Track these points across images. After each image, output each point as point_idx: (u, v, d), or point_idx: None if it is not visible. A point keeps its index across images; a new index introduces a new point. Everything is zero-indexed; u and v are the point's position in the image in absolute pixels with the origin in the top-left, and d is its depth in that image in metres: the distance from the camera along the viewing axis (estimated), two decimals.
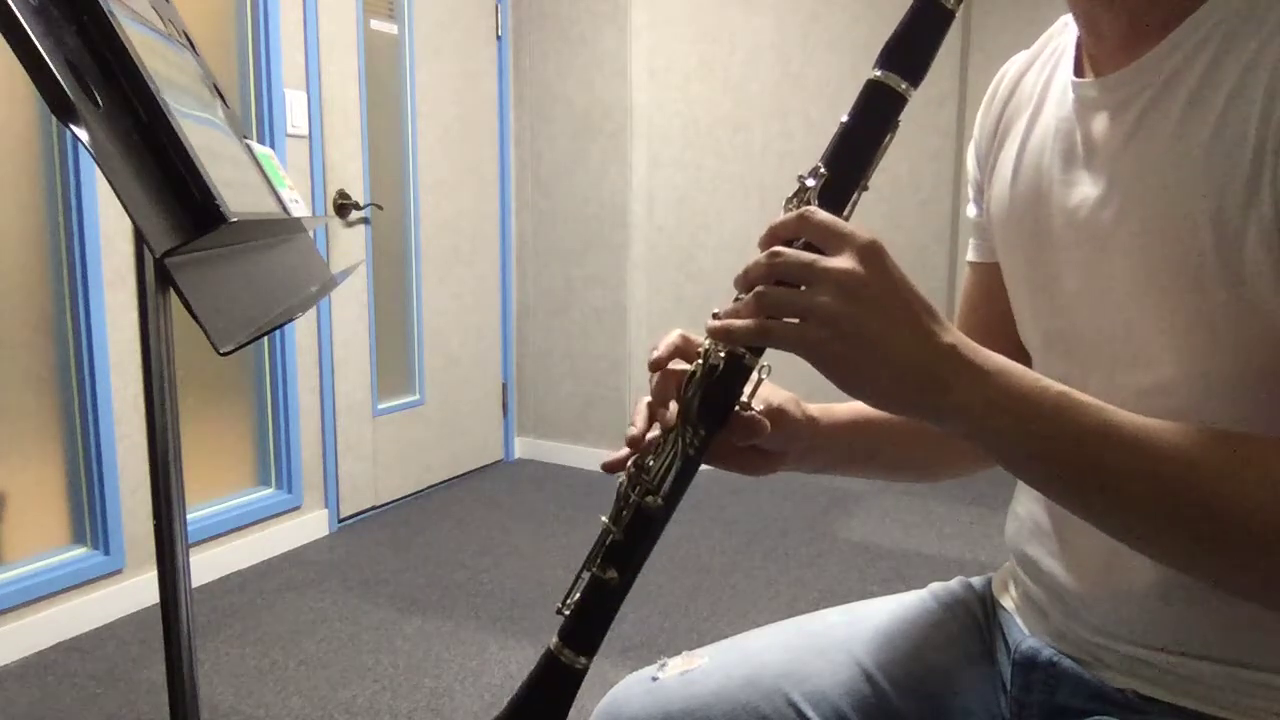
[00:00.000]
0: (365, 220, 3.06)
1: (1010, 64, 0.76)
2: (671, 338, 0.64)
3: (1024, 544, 0.74)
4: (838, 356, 0.52)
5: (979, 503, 3.30)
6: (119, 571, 2.34)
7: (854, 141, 0.58)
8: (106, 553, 2.32)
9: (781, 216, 0.56)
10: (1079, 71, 0.66)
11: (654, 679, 0.78)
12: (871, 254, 0.52)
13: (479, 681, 2.04)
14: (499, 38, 3.62)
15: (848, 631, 0.79)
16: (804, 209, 0.55)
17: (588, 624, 0.60)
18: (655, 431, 0.62)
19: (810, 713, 0.73)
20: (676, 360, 0.63)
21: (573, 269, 3.71)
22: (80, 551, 2.31)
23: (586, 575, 0.61)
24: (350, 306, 3.03)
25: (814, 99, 3.69)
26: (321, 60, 2.83)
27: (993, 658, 0.77)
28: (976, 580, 0.84)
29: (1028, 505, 0.74)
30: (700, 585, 2.58)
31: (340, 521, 3.05)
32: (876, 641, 0.78)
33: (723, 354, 0.58)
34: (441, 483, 3.51)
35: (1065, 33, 0.71)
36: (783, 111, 3.67)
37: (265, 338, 2.65)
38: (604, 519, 0.61)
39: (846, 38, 3.70)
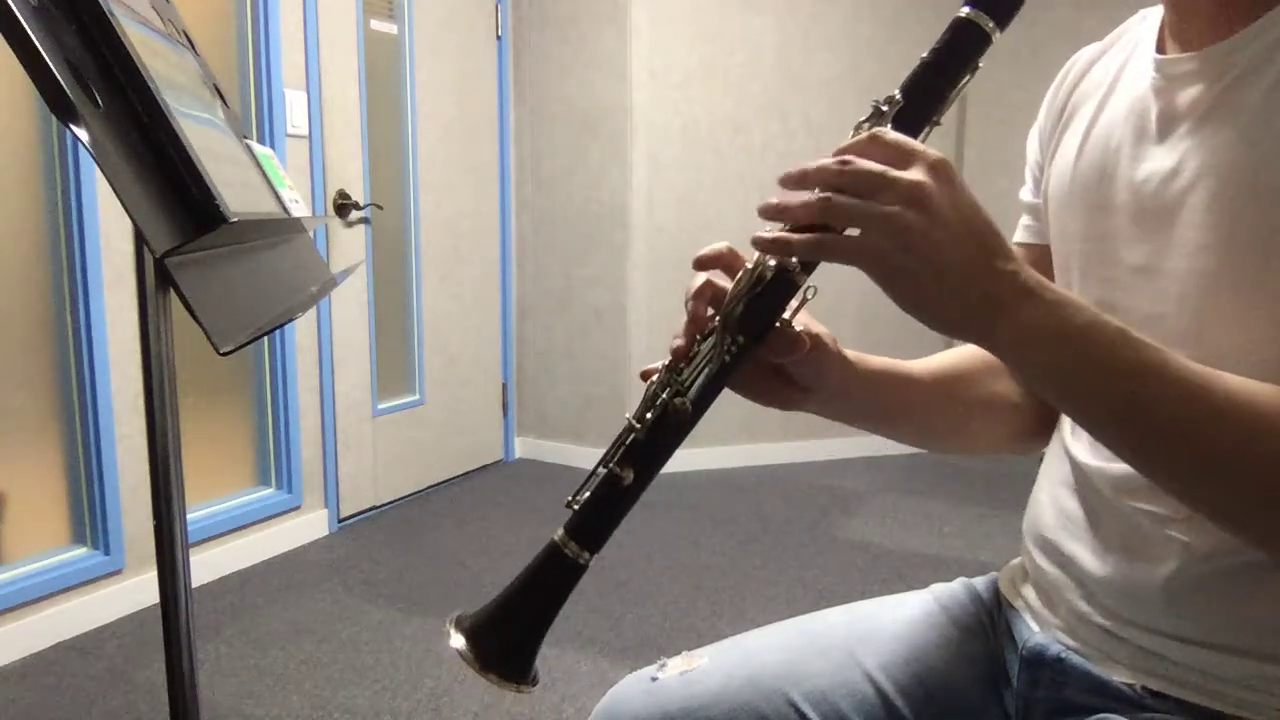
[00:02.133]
0: (365, 220, 3.06)
1: (1081, 54, 0.77)
2: (719, 245, 0.63)
3: (1044, 528, 0.74)
4: (899, 269, 0.51)
5: (979, 503, 3.30)
6: (119, 571, 2.34)
7: (934, 74, 0.58)
8: (106, 553, 2.32)
9: (851, 138, 0.55)
10: (1161, 53, 0.67)
11: (654, 679, 0.78)
12: (943, 170, 0.52)
13: (479, 681, 2.03)
14: (499, 38, 3.62)
15: (848, 632, 0.79)
16: (875, 129, 0.55)
17: (596, 520, 0.59)
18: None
19: (810, 713, 0.73)
20: (716, 272, 0.63)
21: (573, 269, 3.71)
22: (80, 551, 2.31)
23: (602, 471, 0.60)
24: (350, 306, 3.03)
25: (814, 99, 3.69)
26: (321, 60, 2.83)
27: (995, 658, 0.77)
28: (978, 581, 0.84)
29: (1053, 491, 0.74)
30: (700, 585, 2.58)
31: (340, 521, 3.05)
32: (877, 642, 0.78)
33: (772, 264, 0.58)
34: (441, 483, 3.51)
35: (1142, 25, 0.72)
36: (783, 111, 3.67)
37: (265, 338, 2.65)
38: (628, 416, 0.60)
39: (846, 38, 3.70)
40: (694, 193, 3.62)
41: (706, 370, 0.59)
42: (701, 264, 0.63)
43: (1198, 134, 0.61)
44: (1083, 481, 0.70)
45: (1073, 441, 0.72)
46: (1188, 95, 0.63)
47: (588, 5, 3.52)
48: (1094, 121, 0.71)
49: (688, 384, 0.59)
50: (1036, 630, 0.73)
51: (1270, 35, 0.58)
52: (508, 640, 0.60)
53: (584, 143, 3.60)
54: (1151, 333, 0.60)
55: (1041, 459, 0.80)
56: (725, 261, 0.63)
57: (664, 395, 0.59)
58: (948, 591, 0.83)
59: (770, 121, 3.66)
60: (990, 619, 0.79)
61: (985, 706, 0.75)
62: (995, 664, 0.76)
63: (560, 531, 0.60)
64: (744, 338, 0.58)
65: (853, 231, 0.53)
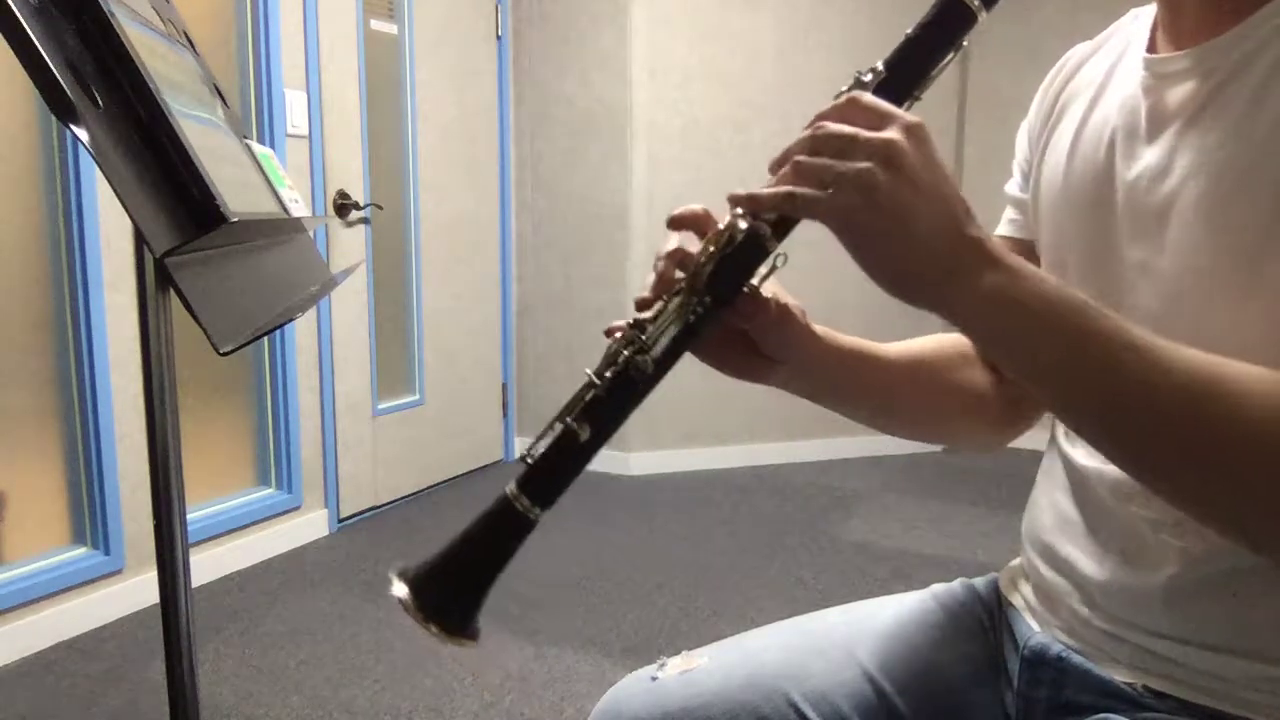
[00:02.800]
0: (365, 220, 3.06)
1: (1072, 52, 0.77)
2: (694, 207, 0.63)
3: (1043, 532, 0.74)
4: (864, 226, 0.51)
5: (979, 503, 3.30)
6: (119, 571, 2.34)
7: (917, 49, 0.58)
8: (106, 553, 2.32)
9: (830, 103, 0.55)
10: (1152, 52, 0.67)
11: (653, 678, 0.78)
12: (916, 131, 0.52)
13: (479, 681, 2.04)
14: (499, 38, 3.62)
15: (848, 631, 0.79)
16: (853, 92, 0.55)
17: (550, 476, 0.58)
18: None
19: (810, 713, 0.73)
20: (690, 236, 0.62)
21: (573, 269, 3.71)
22: (80, 551, 2.31)
23: (559, 426, 0.59)
24: (350, 306, 3.03)
25: (814, 99, 3.64)
26: (321, 60, 2.83)
27: (995, 658, 0.77)
28: (978, 581, 0.84)
29: (1051, 494, 0.74)
30: (700, 585, 2.58)
31: (340, 521, 3.05)
32: (877, 642, 0.78)
33: (744, 226, 0.57)
34: (441, 483, 3.51)
35: (1134, 24, 0.72)
36: (783, 111, 3.67)
37: (265, 338, 2.65)
38: (588, 371, 0.59)
39: (846, 38, 3.70)
40: (694, 193, 3.62)
41: (671, 329, 0.58)
42: (676, 224, 0.62)
43: (1187, 133, 0.61)
44: (1080, 485, 0.70)
45: (1069, 445, 0.72)
46: (1177, 94, 0.63)
47: (587, 5, 3.52)
48: (1085, 120, 0.71)
49: (651, 342, 0.58)
50: (1037, 630, 0.73)
51: (1259, 34, 0.58)
52: (452, 592, 0.59)
53: (584, 143, 3.60)
54: (1151, 328, 0.60)
55: (1040, 461, 0.80)
56: (701, 225, 0.62)
57: (626, 352, 0.58)
58: (947, 591, 0.83)
59: (770, 121, 3.66)
60: (990, 619, 0.79)
61: (985, 706, 0.75)
62: (995, 664, 0.76)
63: (512, 485, 0.59)
64: (710, 299, 0.58)
65: None
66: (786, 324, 0.65)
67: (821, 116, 0.55)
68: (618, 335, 0.59)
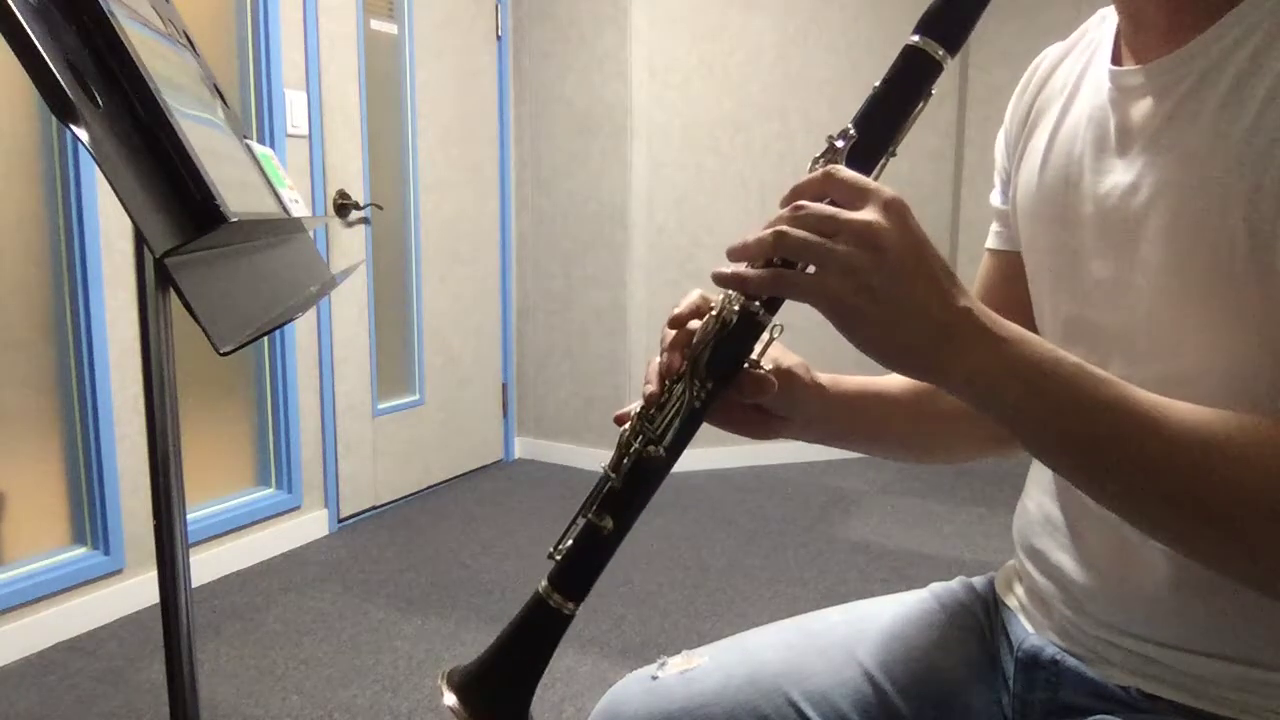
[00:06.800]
0: (365, 220, 3.06)
1: (1044, 56, 0.77)
2: (692, 297, 0.64)
3: (1033, 537, 0.74)
4: (853, 308, 0.51)
5: (979, 503, 3.30)
6: (119, 571, 2.34)
7: (886, 105, 0.58)
8: (106, 553, 2.32)
9: (807, 175, 0.55)
10: (1117, 62, 0.66)
11: (654, 678, 0.78)
12: (896, 209, 0.52)
13: None
14: (499, 38, 3.62)
15: (848, 631, 0.79)
16: (829, 166, 0.55)
17: (579, 570, 0.61)
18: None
19: (810, 712, 0.73)
20: (693, 321, 0.63)
21: (573, 269, 3.71)
22: (80, 551, 2.31)
23: (581, 521, 0.61)
24: (350, 306, 3.03)
25: (814, 99, 3.69)
26: (321, 60, 2.83)
27: (994, 657, 0.77)
28: (978, 580, 0.84)
29: (1038, 499, 0.74)
30: (700, 585, 2.58)
31: (340, 521, 3.05)
32: (877, 641, 0.78)
33: (736, 308, 0.58)
34: (441, 483, 3.51)
35: (1102, 26, 0.71)
36: (783, 111, 3.67)
37: (265, 338, 2.65)
38: (603, 466, 0.60)
39: (846, 38, 3.70)
40: (694, 193, 3.62)
41: (678, 417, 0.59)
42: (678, 322, 0.63)
43: (1151, 150, 0.60)
44: (1064, 489, 0.70)
45: None
46: (1140, 110, 0.62)
47: (588, 5, 3.52)
48: (1057, 129, 0.70)
49: (660, 431, 0.59)
50: (1031, 632, 0.73)
51: (1216, 49, 0.57)
52: (498, 694, 0.61)
53: (584, 143, 3.60)
54: (1122, 348, 0.60)
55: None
56: (700, 312, 0.63)
57: (636, 444, 0.59)
58: (947, 590, 0.83)
59: (770, 121, 3.66)
60: (989, 618, 0.80)
61: (983, 706, 0.75)
62: (993, 664, 0.76)
63: (544, 583, 0.61)
64: (713, 383, 0.59)
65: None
66: (790, 387, 0.67)
67: (798, 192, 0.55)
68: (626, 425, 0.61)
